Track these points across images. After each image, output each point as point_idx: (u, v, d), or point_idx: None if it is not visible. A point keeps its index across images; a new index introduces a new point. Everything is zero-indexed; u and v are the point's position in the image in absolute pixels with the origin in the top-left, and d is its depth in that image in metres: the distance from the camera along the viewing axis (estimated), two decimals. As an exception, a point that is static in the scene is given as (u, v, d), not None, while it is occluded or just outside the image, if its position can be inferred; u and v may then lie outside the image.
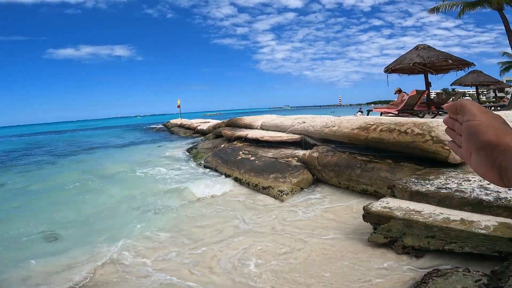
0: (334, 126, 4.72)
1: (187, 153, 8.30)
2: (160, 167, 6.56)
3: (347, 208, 3.45)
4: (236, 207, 3.94)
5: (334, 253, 2.34)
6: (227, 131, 7.93)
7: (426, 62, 7.64)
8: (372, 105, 10.22)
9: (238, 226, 3.26)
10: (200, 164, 6.70)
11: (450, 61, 7.41)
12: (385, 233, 2.14)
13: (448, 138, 0.45)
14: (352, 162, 4.07)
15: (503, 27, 12.87)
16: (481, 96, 20.32)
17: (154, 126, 29.68)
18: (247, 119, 8.19)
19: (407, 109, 8.06)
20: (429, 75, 9.66)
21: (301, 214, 3.45)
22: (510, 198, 1.91)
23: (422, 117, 7.30)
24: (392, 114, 7.97)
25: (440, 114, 8.46)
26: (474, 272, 1.41)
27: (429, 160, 3.31)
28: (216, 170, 5.93)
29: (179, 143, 11.82)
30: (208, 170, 6.15)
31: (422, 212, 2.11)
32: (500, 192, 2.05)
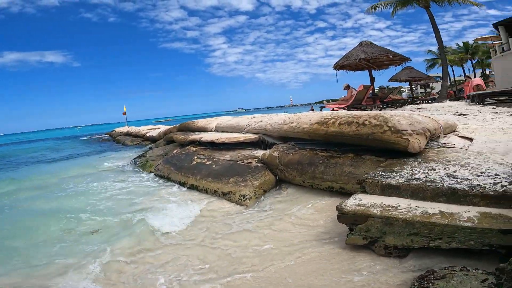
0: (292, 123, 4.53)
1: (135, 163, 7.44)
2: (100, 181, 5.68)
3: (315, 208, 3.24)
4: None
5: (308, 258, 2.07)
6: (179, 136, 7.33)
7: (370, 58, 8.05)
8: (324, 101, 10.50)
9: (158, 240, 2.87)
10: (150, 173, 6.00)
11: (391, 56, 7.93)
12: (364, 234, 1.93)
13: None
14: (314, 158, 3.91)
15: (426, 27, 14.39)
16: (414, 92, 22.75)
17: (97, 136, 26.88)
18: (201, 122, 7.67)
19: (356, 104, 8.38)
20: (373, 71, 10.29)
21: (268, 218, 3.13)
22: (483, 185, 1.84)
23: (371, 110, 7.65)
24: (342, 110, 8.23)
25: (384, 108, 9.00)
26: (474, 271, 1.25)
27: (389, 151, 3.28)
28: (168, 179, 5.33)
29: (125, 152, 10.70)
30: (161, 180, 5.51)
31: (399, 207, 1.95)
32: (471, 180, 1.99)
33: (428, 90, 30.28)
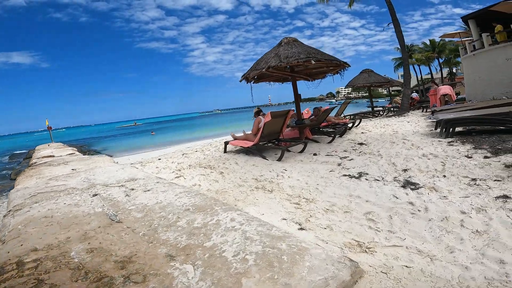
0: None
1: None
2: None
3: None
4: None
5: None
6: None
7: (285, 65, 5.12)
8: (231, 133, 7.40)
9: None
10: None
11: (313, 62, 5.01)
12: None
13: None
14: None
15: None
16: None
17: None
18: None
19: (269, 140, 5.50)
20: (306, 82, 7.48)
21: None
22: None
23: (281, 154, 4.74)
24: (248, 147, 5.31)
25: (316, 142, 6.16)
26: None
27: None
28: None
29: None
30: None
31: None
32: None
33: (396, 88, 28.38)
